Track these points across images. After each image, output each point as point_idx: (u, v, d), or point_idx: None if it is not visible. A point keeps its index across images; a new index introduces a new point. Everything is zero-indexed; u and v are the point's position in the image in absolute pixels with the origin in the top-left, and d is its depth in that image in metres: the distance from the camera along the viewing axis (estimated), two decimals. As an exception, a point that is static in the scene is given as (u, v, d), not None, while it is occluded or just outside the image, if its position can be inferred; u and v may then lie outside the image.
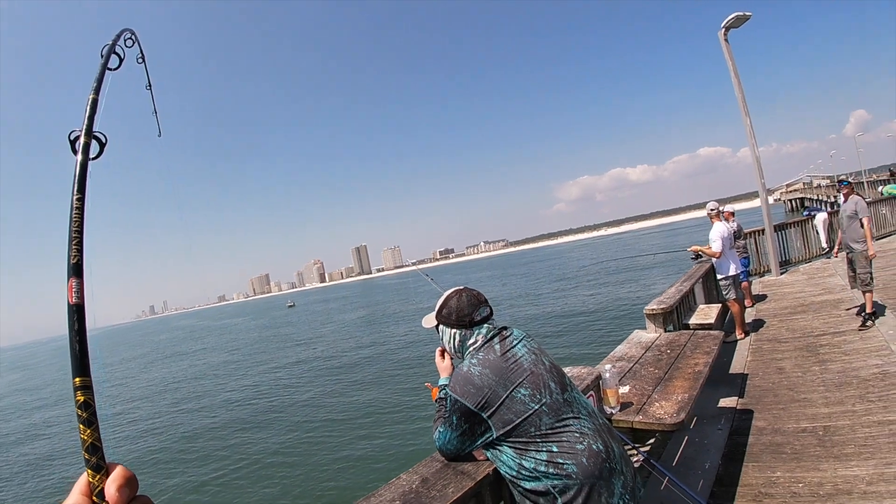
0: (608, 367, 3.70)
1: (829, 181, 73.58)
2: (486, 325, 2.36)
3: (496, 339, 2.29)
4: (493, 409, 2.08)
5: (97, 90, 1.66)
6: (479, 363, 2.19)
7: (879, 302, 8.49)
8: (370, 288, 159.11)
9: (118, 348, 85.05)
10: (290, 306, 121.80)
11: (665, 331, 5.93)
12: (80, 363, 1.06)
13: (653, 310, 6.06)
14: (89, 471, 0.89)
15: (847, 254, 7.97)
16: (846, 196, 8.16)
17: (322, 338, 42.07)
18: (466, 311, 2.36)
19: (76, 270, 1.20)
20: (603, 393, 3.70)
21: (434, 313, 2.50)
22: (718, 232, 8.29)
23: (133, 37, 1.79)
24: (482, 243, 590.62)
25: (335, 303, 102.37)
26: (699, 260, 9.23)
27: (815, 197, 67.21)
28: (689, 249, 9.18)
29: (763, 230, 13.06)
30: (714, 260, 8.41)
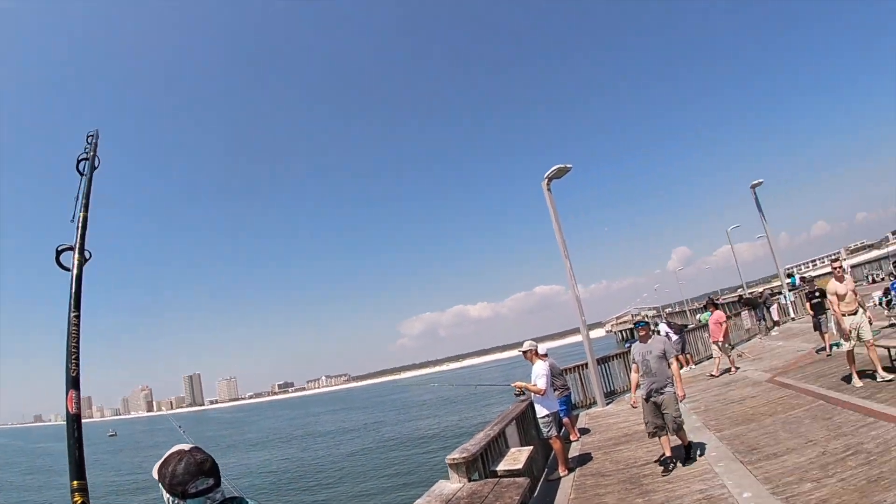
0: None
1: (655, 311, 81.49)
2: (203, 499, 2.05)
3: None
4: None
5: (86, 207, 1.84)
6: None
7: (700, 425, 9.14)
8: (202, 421, 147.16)
9: None
10: (112, 436, 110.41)
11: (469, 480, 5.59)
12: (79, 468, 1.25)
13: (455, 459, 5.69)
14: None
15: (651, 398, 7.46)
16: (643, 338, 7.81)
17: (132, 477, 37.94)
18: (180, 480, 2.03)
19: (75, 383, 1.38)
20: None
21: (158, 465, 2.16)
22: (543, 369, 8.45)
23: (95, 134, 2.15)
24: (323, 377, 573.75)
25: (161, 435, 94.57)
26: (522, 397, 9.40)
27: (641, 327, 72.56)
28: (513, 385, 9.25)
29: (586, 364, 13.83)
30: (535, 397, 8.49)
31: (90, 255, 2.11)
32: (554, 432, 8.31)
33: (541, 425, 8.53)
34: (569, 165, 13.51)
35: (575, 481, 7.78)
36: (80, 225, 1.79)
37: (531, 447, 7.52)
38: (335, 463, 30.83)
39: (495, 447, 6.77)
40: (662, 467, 7.17)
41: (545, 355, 9.27)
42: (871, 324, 9.15)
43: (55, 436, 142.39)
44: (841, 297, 9.04)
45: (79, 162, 2.46)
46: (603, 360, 14.75)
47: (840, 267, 9.40)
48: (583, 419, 12.23)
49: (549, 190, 13.77)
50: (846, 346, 9.09)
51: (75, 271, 1.75)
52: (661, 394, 7.29)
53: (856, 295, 9.13)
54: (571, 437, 10.40)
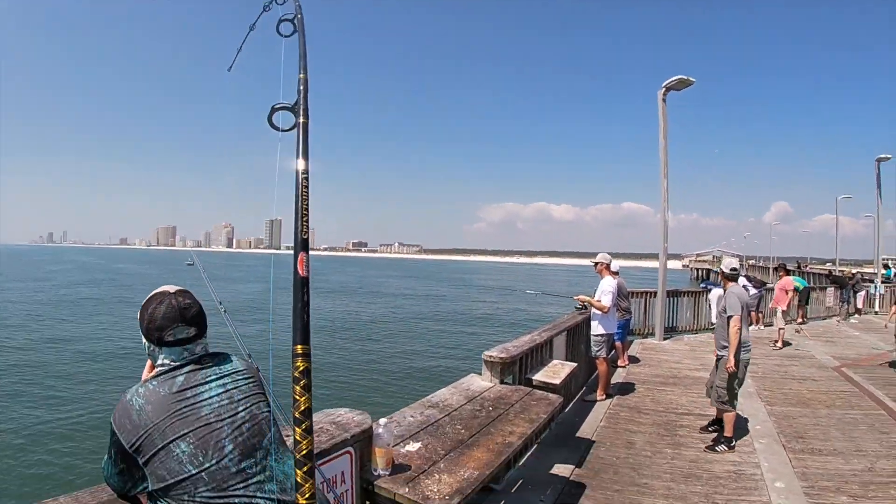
0: (384, 421, 3.02)
1: (738, 259, 77.49)
2: (179, 349, 1.78)
3: (184, 370, 1.75)
4: (148, 456, 1.61)
5: (304, 68, 1.91)
6: (143, 395, 1.68)
7: (753, 391, 8.31)
8: (277, 264, 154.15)
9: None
10: (190, 265, 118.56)
11: (501, 382, 5.08)
12: (304, 332, 1.44)
13: (492, 357, 5.13)
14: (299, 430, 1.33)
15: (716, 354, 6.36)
16: (724, 285, 6.50)
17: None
18: (157, 325, 1.76)
19: (305, 246, 1.51)
20: (372, 451, 2.97)
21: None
22: (610, 286, 7.81)
23: None
24: (397, 244, 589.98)
25: (235, 270, 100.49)
26: (582, 310, 8.59)
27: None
28: (575, 298, 8.60)
29: (655, 293, 12.98)
30: (595, 313, 7.86)
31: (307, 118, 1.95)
32: (603, 353, 7.77)
33: (592, 343, 7.93)
34: (692, 79, 11.98)
35: (610, 409, 7.39)
36: (301, 86, 1.83)
37: (575, 364, 6.85)
38: (386, 324, 31.56)
39: (537, 354, 6.19)
40: (713, 441, 6.12)
41: (616, 273, 8.48)
42: None
43: (135, 259, 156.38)
44: None
45: (280, 22, 2.14)
46: (673, 294, 14.05)
47: None
48: (636, 347, 11.66)
49: (664, 101, 12.28)
50: None
51: (301, 132, 1.71)
52: (718, 356, 6.23)
53: None
54: (620, 363, 9.91)
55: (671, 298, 13.74)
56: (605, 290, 7.72)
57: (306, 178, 1.63)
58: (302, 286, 1.47)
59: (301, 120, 1.81)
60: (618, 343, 9.57)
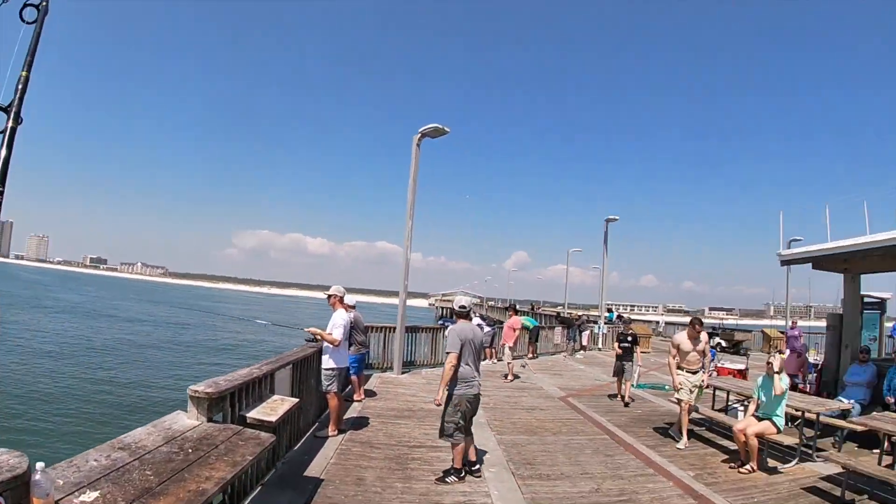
0: (42, 465, 2.44)
1: (479, 300, 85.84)
2: None
3: None
4: None
5: (30, 65, 1.97)
6: None
7: (484, 422, 8.71)
8: (7, 276, 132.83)
9: None
10: None
11: (209, 420, 4.55)
12: None
13: (198, 392, 4.55)
14: None
15: None
16: (456, 321, 6.83)
17: None
18: None
19: None
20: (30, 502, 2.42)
21: None
22: (342, 319, 7.84)
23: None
24: (140, 264, 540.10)
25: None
26: (313, 343, 8.46)
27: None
28: (307, 330, 8.46)
29: (394, 328, 13.58)
30: (327, 347, 7.82)
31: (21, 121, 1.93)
32: (334, 388, 7.72)
33: (322, 377, 7.86)
34: (447, 128, 12.95)
35: (341, 445, 7.29)
36: (20, 86, 1.68)
37: (297, 399, 6.34)
38: (106, 352, 29.23)
39: (256, 389, 5.70)
40: (443, 472, 6.28)
41: (353, 307, 8.63)
42: (702, 390, 8.80)
43: None
44: (684, 354, 8.56)
45: (25, 7, 2.11)
46: (412, 329, 14.83)
47: (700, 328, 8.65)
48: (374, 381, 12.01)
49: (418, 146, 13.12)
50: (683, 397, 8.47)
51: (6, 137, 1.59)
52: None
53: (702, 356, 8.64)
54: (355, 397, 10.03)
55: (410, 333, 14.44)
56: (337, 324, 7.73)
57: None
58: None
59: (10, 125, 1.71)
60: (353, 377, 9.70)
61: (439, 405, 6.11)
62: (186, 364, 27.89)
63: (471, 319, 7.08)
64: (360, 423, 8.53)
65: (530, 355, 18.88)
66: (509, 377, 13.74)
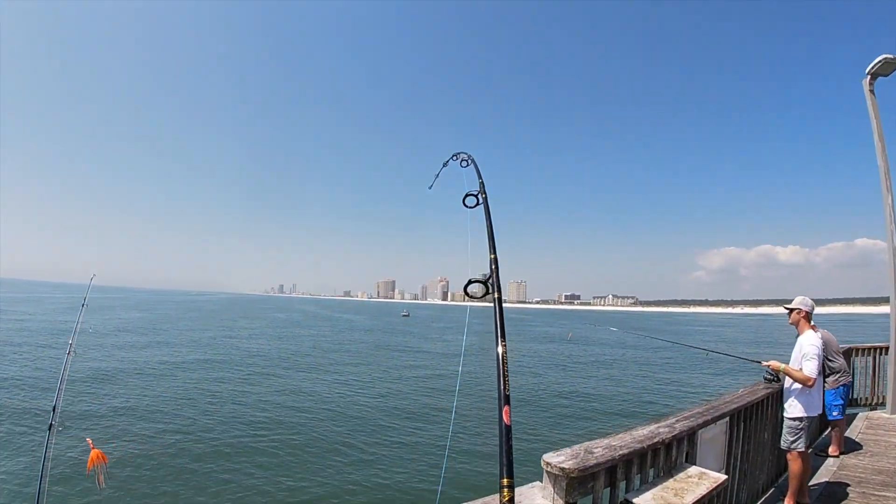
0: None
1: None
2: None
3: None
4: None
5: (493, 248, 2.59)
6: None
7: None
8: (489, 315, 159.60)
9: (237, 313, 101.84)
10: (405, 315, 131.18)
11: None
12: (509, 468, 1.77)
13: (552, 464, 2.91)
14: None
15: None
16: None
17: (421, 352, 45.43)
18: None
19: (507, 400, 1.97)
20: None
21: None
22: (815, 346, 5.36)
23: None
24: (610, 296, 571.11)
25: (445, 322, 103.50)
26: (772, 381, 5.96)
27: None
28: (765, 364, 6.02)
29: (887, 348, 9.55)
30: (792, 387, 5.44)
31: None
32: (800, 446, 5.32)
33: (784, 430, 5.48)
34: (899, 56, 8.92)
35: None
36: (493, 267, 2.49)
37: (723, 478, 3.76)
38: (562, 386, 28.83)
39: (659, 458, 3.66)
40: None
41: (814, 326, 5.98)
42: None
43: (354, 309, 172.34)
44: None
45: (466, 196, 3.05)
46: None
47: None
48: (858, 425, 8.53)
49: (871, 92, 9.31)
50: None
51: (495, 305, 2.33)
52: None
53: None
54: (830, 450, 7.08)
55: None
56: (809, 353, 5.32)
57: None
58: (505, 433, 1.78)
59: (495, 295, 2.34)
60: (835, 420, 6.95)
61: None
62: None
63: None
64: (833, 494, 5.69)
65: None
66: None
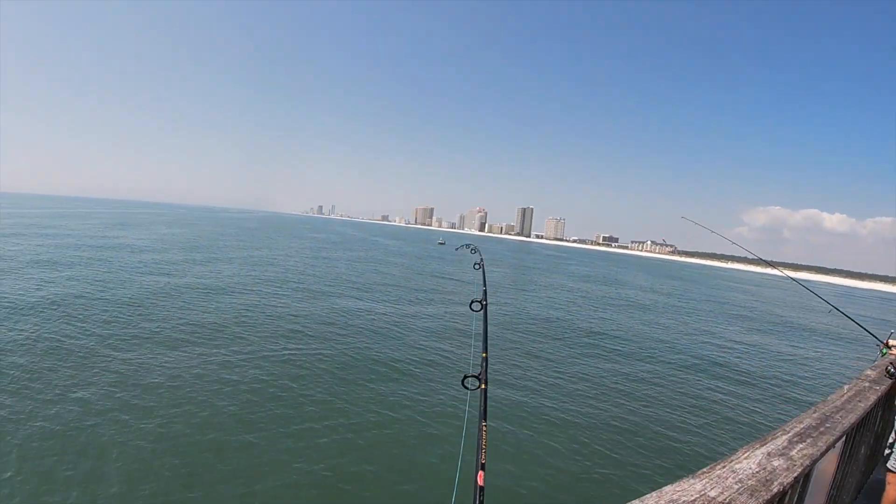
0: None
1: None
2: None
3: None
4: None
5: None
6: None
7: None
8: (525, 251, 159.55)
9: (274, 232, 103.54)
10: (441, 244, 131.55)
11: None
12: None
13: None
14: None
15: None
16: None
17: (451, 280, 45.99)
18: None
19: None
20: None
21: None
22: None
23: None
24: (649, 242, 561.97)
25: (484, 254, 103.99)
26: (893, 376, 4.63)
27: None
28: (887, 347, 4.78)
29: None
30: None
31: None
32: None
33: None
34: None
35: None
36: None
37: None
38: (596, 333, 27.73)
39: None
40: None
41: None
42: None
43: (392, 234, 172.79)
44: None
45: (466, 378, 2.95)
46: None
47: None
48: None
49: None
50: None
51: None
52: None
53: None
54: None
55: None
56: None
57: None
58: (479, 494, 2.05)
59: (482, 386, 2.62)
60: None
61: None
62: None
63: None
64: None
65: None
66: None
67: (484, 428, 2.32)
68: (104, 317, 18.69)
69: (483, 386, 2.61)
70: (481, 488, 2.01)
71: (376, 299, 29.40)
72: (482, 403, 2.51)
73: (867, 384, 4.60)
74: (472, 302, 2.68)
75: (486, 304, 3.54)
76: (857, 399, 4.18)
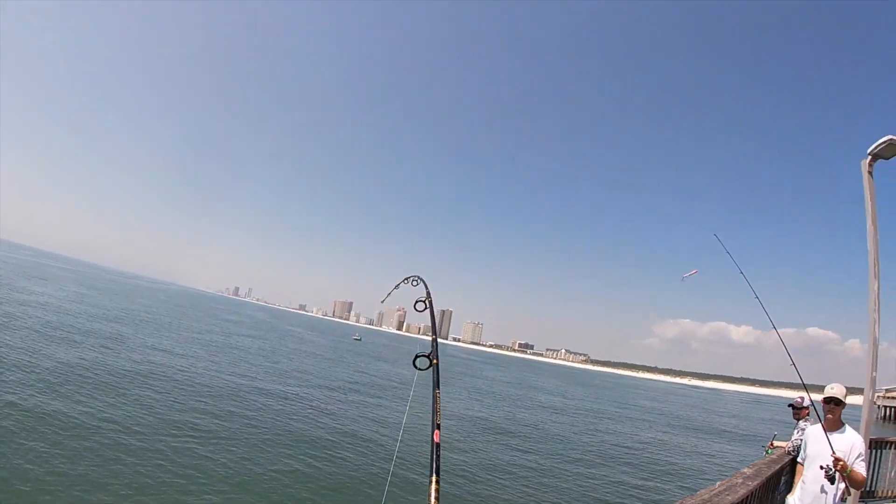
0: None
1: None
2: None
3: None
4: None
5: (435, 336, 3.23)
6: None
7: None
8: (444, 354, 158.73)
9: (184, 312, 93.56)
10: (356, 339, 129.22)
11: None
12: (437, 468, 2.29)
13: None
14: None
15: None
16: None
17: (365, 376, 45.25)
18: None
19: (438, 427, 2.52)
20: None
21: None
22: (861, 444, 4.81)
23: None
24: (564, 350, 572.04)
25: (397, 353, 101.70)
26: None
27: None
28: (834, 457, 4.77)
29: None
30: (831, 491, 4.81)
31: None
32: None
33: None
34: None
35: None
36: (434, 354, 3.03)
37: None
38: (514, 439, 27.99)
39: None
40: None
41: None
42: None
43: (308, 325, 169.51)
44: None
45: (416, 302, 3.89)
46: (877, 444, 9.66)
47: None
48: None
49: (870, 174, 8.67)
50: None
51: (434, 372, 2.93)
52: None
53: None
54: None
55: (874, 450, 9.42)
56: (863, 452, 4.76)
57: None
58: (434, 450, 2.35)
59: (433, 361, 2.92)
60: None
61: None
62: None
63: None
64: None
65: None
66: None
67: (437, 395, 2.66)
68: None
69: (435, 361, 2.87)
70: (437, 444, 2.35)
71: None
72: (435, 375, 2.81)
73: (739, 480, 5.06)
74: (417, 357, 2.92)
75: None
76: (726, 493, 4.54)
